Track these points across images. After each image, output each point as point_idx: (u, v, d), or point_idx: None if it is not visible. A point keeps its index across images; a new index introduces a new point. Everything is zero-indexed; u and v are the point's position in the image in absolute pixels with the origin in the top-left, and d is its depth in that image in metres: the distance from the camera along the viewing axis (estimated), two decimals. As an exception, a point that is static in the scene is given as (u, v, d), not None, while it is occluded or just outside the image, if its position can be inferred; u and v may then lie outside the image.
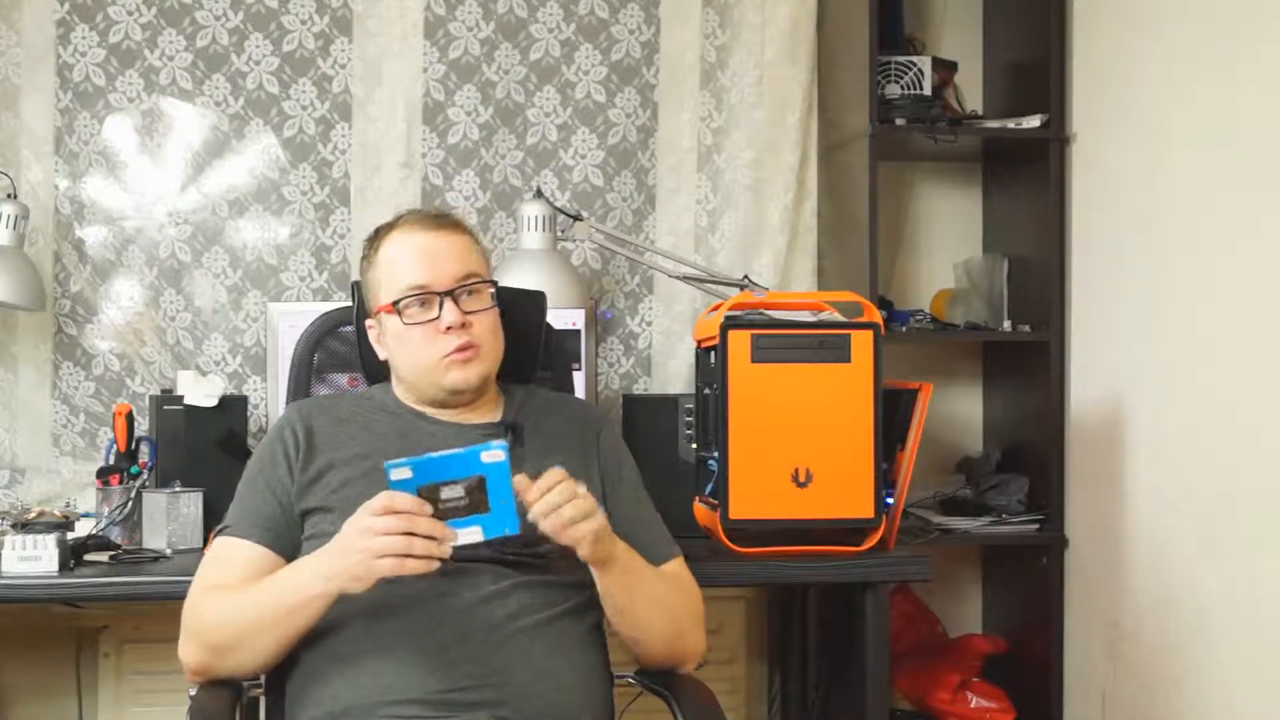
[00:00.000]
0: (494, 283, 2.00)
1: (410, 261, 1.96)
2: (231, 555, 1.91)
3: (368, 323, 2.06)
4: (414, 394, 2.01)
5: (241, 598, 1.84)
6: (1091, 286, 3.10)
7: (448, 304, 1.93)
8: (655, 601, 1.94)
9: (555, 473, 1.78)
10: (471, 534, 1.68)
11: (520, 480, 1.73)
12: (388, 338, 2.00)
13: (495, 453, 1.67)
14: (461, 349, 1.93)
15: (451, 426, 1.99)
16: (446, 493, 1.66)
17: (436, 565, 1.69)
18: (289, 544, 1.91)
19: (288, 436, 1.96)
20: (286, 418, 2.02)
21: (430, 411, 2.00)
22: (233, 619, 1.83)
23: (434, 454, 1.69)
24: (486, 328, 1.97)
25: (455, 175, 3.26)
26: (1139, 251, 2.90)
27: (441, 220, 2.00)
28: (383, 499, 1.69)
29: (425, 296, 1.94)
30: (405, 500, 1.68)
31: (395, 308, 1.95)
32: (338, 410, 2.03)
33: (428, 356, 1.95)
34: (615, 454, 2.08)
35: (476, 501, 1.67)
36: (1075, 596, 3.14)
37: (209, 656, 1.85)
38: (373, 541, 1.69)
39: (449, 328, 1.93)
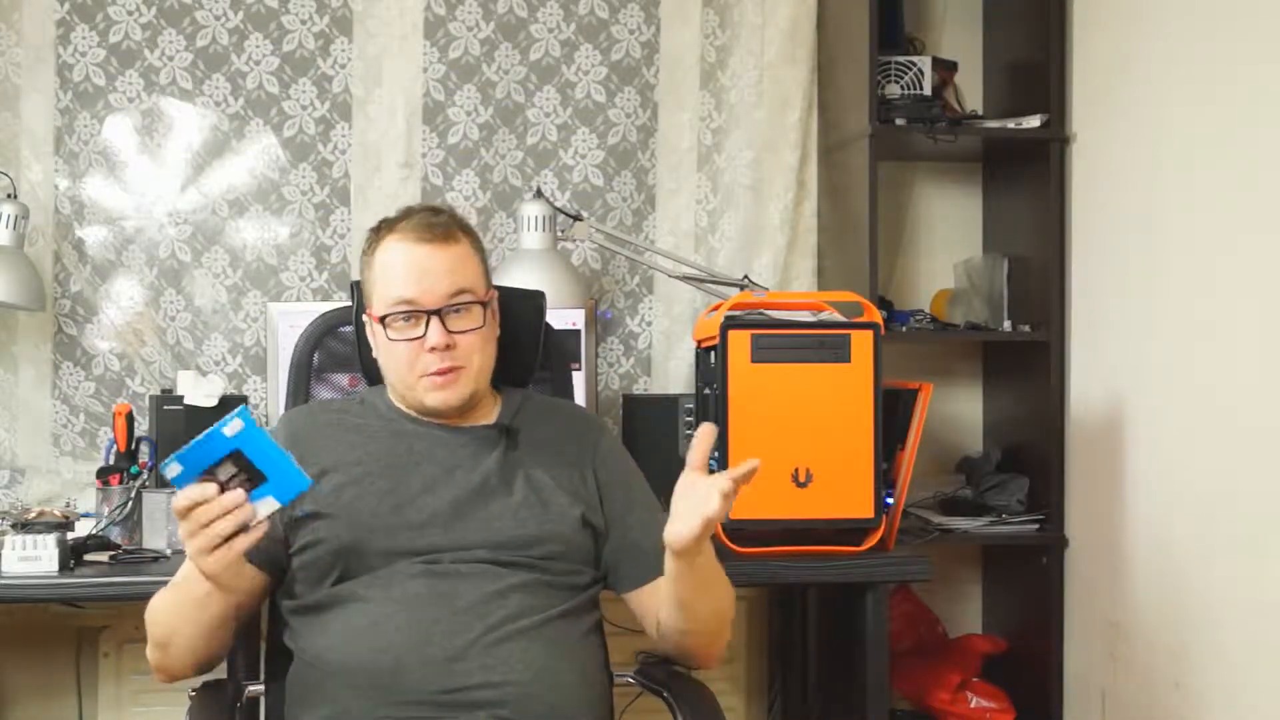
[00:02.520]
0: (484, 303, 1.96)
1: (401, 274, 1.92)
2: None
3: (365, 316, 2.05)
4: (403, 401, 2.01)
5: (171, 593, 1.83)
6: (1091, 286, 3.10)
7: (434, 323, 1.90)
8: (723, 589, 1.95)
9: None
10: (267, 504, 1.66)
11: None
12: (376, 345, 1.99)
13: (235, 423, 1.63)
14: (443, 371, 1.92)
15: (444, 431, 1.98)
16: (223, 473, 1.64)
17: (261, 530, 1.66)
18: (255, 548, 1.86)
19: None
20: (277, 432, 2.00)
21: (423, 416, 2.00)
22: (162, 610, 1.84)
23: (193, 442, 1.65)
24: (474, 346, 1.94)
25: (455, 175, 3.26)
26: (1139, 251, 2.90)
27: (437, 231, 1.94)
28: (175, 504, 1.66)
29: (412, 312, 1.92)
30: (188, 494, 1.64)
31: (382, 320, 1.94)
32: (330, 416, 2.02)
33: (411, 373, 1.94)
34: (620, 463, 2.06)
35: (253, 474, 1.65)
36: (1075, 596, 3.14)
37: (157, 653, 1.86)
38: (190, 545, 1.67)
39: (432, 348, 1.91)
